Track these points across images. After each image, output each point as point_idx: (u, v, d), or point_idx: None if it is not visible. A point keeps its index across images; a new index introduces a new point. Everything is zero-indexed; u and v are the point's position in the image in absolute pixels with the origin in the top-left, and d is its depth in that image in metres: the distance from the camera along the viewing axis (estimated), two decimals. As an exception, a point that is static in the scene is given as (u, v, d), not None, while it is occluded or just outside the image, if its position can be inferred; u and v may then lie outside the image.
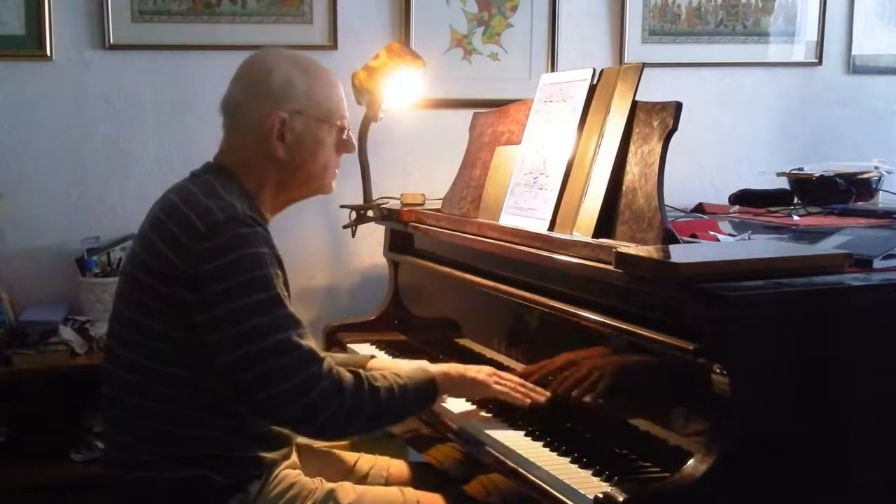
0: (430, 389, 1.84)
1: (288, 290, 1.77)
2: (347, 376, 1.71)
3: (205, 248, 1.64)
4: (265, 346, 1.64)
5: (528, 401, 1.87)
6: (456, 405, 1.99)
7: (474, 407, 1.98)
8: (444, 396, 1.94)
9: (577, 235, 1.91)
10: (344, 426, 1.72)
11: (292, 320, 1.68)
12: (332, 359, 2.03)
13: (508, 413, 1.92)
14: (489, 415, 1.94)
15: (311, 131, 1.83)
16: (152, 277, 1.69)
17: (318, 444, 2.07)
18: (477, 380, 1.91)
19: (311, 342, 1.70)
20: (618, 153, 1.90)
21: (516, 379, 1.93)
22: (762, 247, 1.95)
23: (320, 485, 1.83)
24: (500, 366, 2.10)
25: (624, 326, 1.67)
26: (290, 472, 1.83)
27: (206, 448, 1.72)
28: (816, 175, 2.73)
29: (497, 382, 1.90)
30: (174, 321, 1.67)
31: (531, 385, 1.91)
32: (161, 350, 1.69)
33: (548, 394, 1.89)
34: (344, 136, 1.90)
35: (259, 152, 1.81)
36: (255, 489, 1.76)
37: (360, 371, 1.76)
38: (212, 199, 1.71)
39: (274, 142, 1.80)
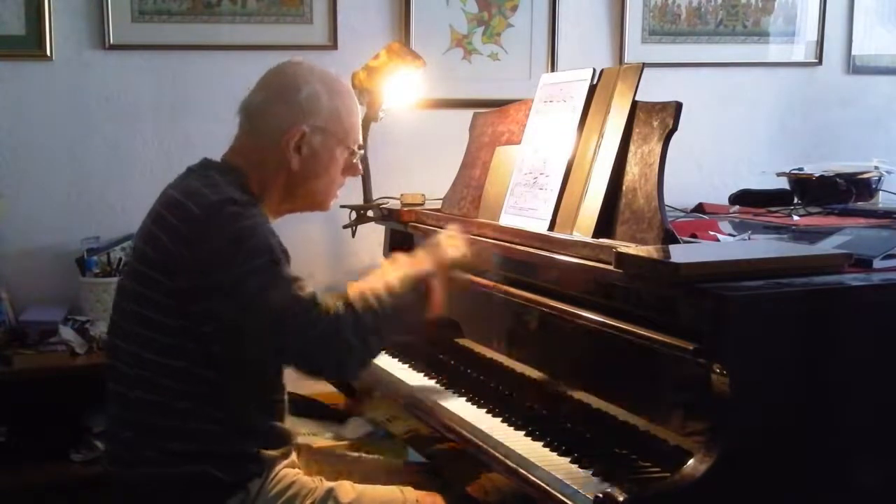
0: (419, 290, 1.84)
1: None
2: (355, 310, 1.72)
3: (199, 229, 1.68)
4: (275, 307, 1.66)
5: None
6: (456, 405, 1.99)
7: (474, 407, 1.99)
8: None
9: (577, 235, 1.91)
10: (366, 355, 1.76)
11: (295, 278, 1.71)
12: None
13: (508, 413, 1.92)
14: (489, 415, 1.94)
15: (327, 149, 1.86)
16: (154, 270, 1.71)
17: (319, 442, 2.06)
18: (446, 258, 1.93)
19: (311, 288, 1.72)
20: (618, 153, 1.90)
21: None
22: (762, 247, 1.95)
23: (320, 484, 1.83)
24: (501, 366, 2.11)
25: (624, 326, 1.67)
26: (289, 471, 1.83)
27: (205, 443, 1.73)
28: (816, 175, 2.73)
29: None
30: (174, 312, 1.70)
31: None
32: (160, 341, 1.71)
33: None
34: (354, 160, 1.93)
35: (272, 159, 1.84)
36: (255, 487, 1.76)
37: (355, 300, 1.75)
38: (210, 189, 1.74)
39: (290, 152, 1.83)
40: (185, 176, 1.84)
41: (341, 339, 1.70)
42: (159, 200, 1.81)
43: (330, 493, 1.81)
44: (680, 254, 1.63)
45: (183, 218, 1.71)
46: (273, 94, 1.86)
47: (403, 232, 2.60)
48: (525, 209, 2.10)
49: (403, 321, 1.84)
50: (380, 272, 1.93)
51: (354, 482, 1.91)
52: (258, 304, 1.67)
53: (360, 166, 1.98)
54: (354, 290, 1.79)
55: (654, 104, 1.88)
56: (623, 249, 1.64)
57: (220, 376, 1.72)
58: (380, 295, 1.78)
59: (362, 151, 1.96)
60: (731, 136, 3.47)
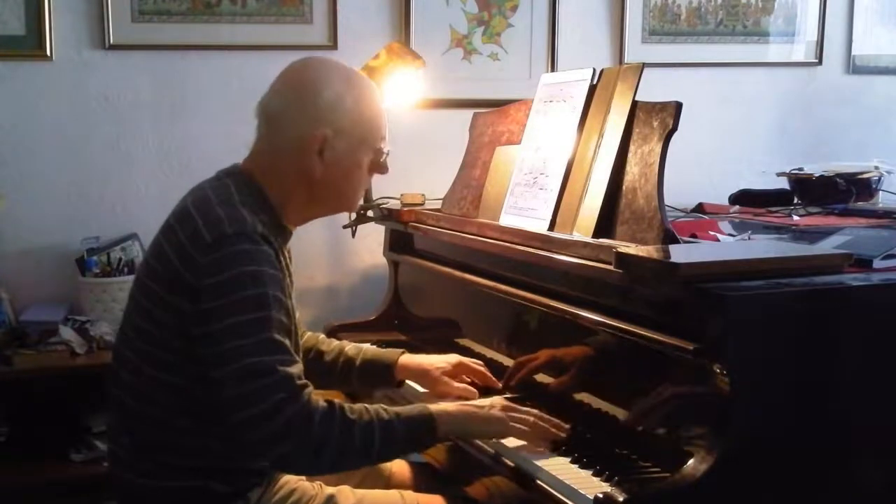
0: (424, 428, 1.70)
1: (291, 315, 1.69)
2: (321, 406, 1.61)
3: (208, 261, 1.60)
4: (245, 365, 1.57)
5: (547, 443, 1.75)
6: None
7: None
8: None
9: (577, 235, 1.91)
10: (311, 461, 1.62)
11: (277, 345, 1.60)
12: (364, 350, 2.06)
13: (508, 413, 1.92)
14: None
15: (352, 151, 1.76)
16: (158, 284, 1.66)
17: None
18: (491, 417, 1.77)
19: (295, 368, 1.61)
20: (618, 153, 1.90)
21: (533, 412, 1.80)
22: (762, 247, 1.95)
23: (320, 490, 1.82)
24: (500, 366, 2.11)
25: (624, 326, 1.67)
26: (290, 477, 1.82)
27: (205, 459, 1.70)
28: (816, 175, 2.73)
29: (513, 420, 1.76)
30: (175, 329, 1.64)
31: (547, 417, 1.79)
32: (161, 357, 1.67)
33: (567, 427, 1.77)
34: (381, 159, 1.83)
35: (293, 166, 1.75)
36: (255, 496, 1.75)
37: (336, 402, 1.64)
38: (223, 207, 1.66)
39: (313, 158, 1.73)
40: (207, 181, 1.76)
41: (303, 441, 1.58)
42: (174, 210, 1.74)
43: (330, 499, 1.80)
44: (680, 254, 1.63)
45: (190, 237, 1.63)
46: (293, 97, 1.75)
47: (403, 232, 2.60)
48: (525, 209, 2.10)
49: (386, 458, 1.76)
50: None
51: (354, 486, 1.91)
52: (239, 369, 1.57)
53: (388, 164, 1.86)
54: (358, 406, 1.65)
55: (654, 104, 1.88)
56: (623, 249, 1.64)
57: (213, 395, 1.62)
58: (371, 422, 1.63)
59: (389, 148, 1.84)
60: (731, 136, 3.47)
